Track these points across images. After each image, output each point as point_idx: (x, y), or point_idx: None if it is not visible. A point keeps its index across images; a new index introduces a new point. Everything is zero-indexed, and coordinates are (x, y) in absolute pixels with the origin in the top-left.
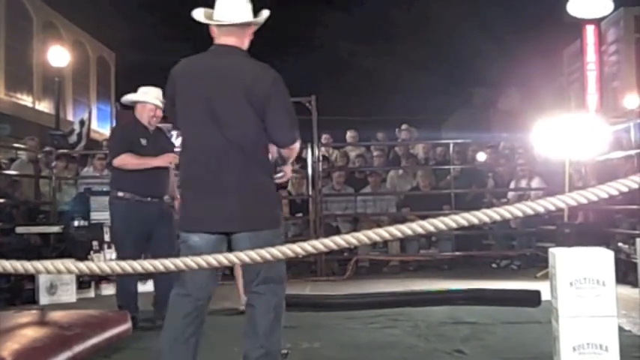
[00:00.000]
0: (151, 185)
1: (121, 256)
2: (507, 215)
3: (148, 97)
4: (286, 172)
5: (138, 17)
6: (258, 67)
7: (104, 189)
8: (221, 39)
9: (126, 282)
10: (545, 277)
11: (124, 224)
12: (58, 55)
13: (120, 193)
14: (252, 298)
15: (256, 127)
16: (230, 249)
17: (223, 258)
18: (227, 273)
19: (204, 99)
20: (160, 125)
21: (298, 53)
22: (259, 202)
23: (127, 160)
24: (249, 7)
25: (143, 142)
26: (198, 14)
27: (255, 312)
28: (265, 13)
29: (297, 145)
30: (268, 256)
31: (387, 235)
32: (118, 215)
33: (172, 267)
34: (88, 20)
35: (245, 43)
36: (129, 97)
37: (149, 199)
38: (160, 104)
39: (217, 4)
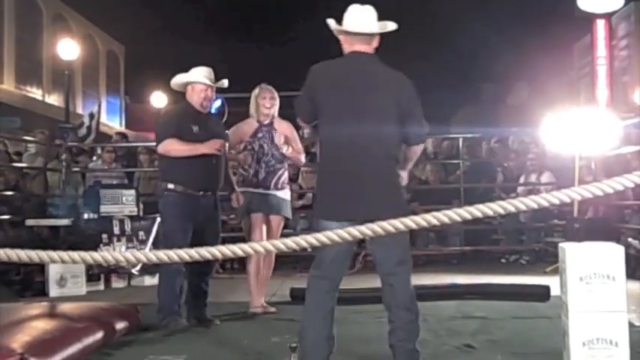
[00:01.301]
0: (205, 177)
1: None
2: (511, 209)
3: (197, 76)
4: (403, 178)
5: (147, 11)
6: (396, 73)
7: (114, 182)
8: (355, 46)
9: (171, 281)
10: (555, 272)
11: (174, 219)
12: (68, 49)
13: (170, 185)
14: (390, 279)
15: (395, 127)
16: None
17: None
18: (236, 267)
19: (352, 99)
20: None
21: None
22: (395, 195)
23: (170, 146)
24: (375, 15)
25: (195, 128)
26: (335, 24)
27: (396, 290)
28: (392, 25)
29: (423, 145)
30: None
31: (403, 226)
32: (167, 209)
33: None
34: (98, 13)
35: (373, 50)
36: (177, 80)
37: (201, 192)
38: (211, 83)
39: (350, 15)
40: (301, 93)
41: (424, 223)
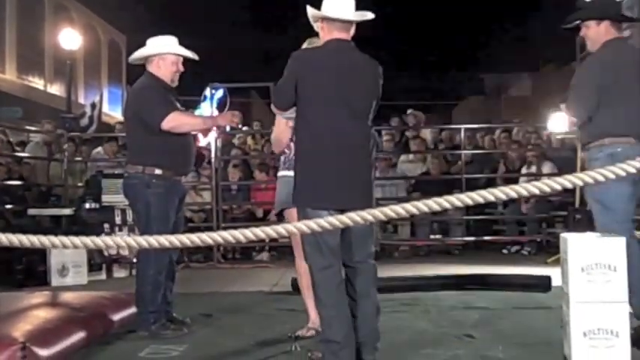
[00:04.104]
0: (185, 161)
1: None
2: (512, 194)
3: (167, 46)
4: None
5: (148, 0)
6: (372, 60)
7: (116, 171)
8: (334, 34)
9: (158, 283)
10: (556, 262)
11: (164, 208)
12: (70, 38)
13: (157, 171)
14: (363, 267)
15: (370, 116)
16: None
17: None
18: (238, 257)
19: (337, 86)
20: None
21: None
22: (370, 184)
23: (181, 119)
24: (354, 4)
25: (178, 105)
26: (313, 12)
27: (366, 278)
28: (370, 14)
29: None
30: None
31: (403, 212)
32: (156, 198)
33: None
34: (100, 3)
35: (351, 39)
36: (140, 53)
37: (181, 177)
38: (187, 53)
39: (331, 2)
40: (283, 79)
41: (425, 209)
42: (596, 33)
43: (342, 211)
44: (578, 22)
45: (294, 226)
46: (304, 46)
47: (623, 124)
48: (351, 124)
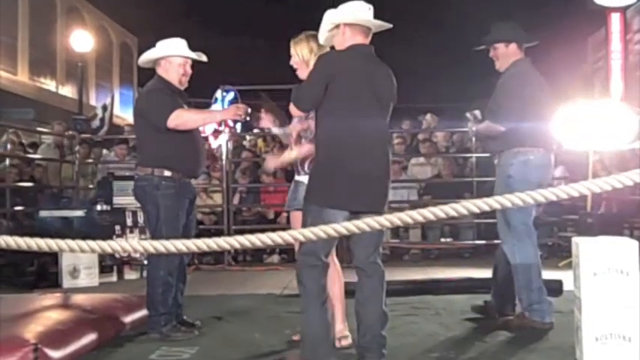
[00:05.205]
0: (195, 162)
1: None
2: (519, 203)
3: (174, 49)
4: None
5: (160, 2)
6: (388, 68)
7: (127, 174)
8: (357, 39)
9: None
10: (568, 266)
11: (174, 211)
12: (82, 40)
13: (167, 173)
14: (372, 268)
15: (388, 122)
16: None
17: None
18: (248, 259)
19: (366, 88)
20: None
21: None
22: (387, 187)
23: (183, 118)
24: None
25: (185, 107)
26: (338, 15)
27: (374, 281)
28: (388, 25)
29: None
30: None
31: (420, 218)
32: (167, 200)
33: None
34: (111, 5)
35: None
36: (147, 55)
37: (191, 179)
38: (191, 55)
39: (357, 9)
40: (312, 80)
41: (443, 214)
42: (504, 54)
43: (355, 213)
44: (485, 45)
45: (310, 232)
46: (309, 55)
47: (535, 136)
48: (375, 126)
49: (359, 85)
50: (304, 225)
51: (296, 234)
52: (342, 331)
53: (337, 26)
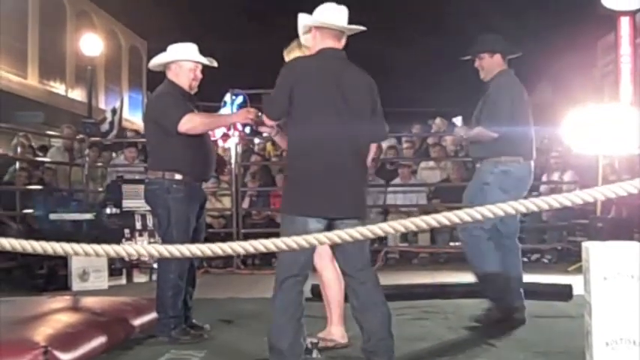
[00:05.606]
0: (206, 166)
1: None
2: (533, 208)
3: (184, 53)
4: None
5: (170, 6)
6: (363, 71)
7: (136, 177)
8: (327, 42)
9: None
10: (577, 270)
11: (184, 214)
12: (91, 44)
13: (177, 176)
14: (362, 275)
15: (367, 126)
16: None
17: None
18: (257, 263)
19: (331, 94)
20: None
21: None
22: (364, 194)
23: (195, 120)
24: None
25: (195, 111)
26: (310, 19)
27: (369, 286)
28: (362, 27)
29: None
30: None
31: (435, 223)
32: (177, 204)
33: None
34: (121, 9)
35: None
36: (158, 59)
37: (201, 182)
38: (203, 60)
39: (328, 11)
40: (276, 89)
41: (456, 219)
42: (489, 64)
43: (330, 220)
44: (470, 56)
45: (314, 238)
46: (288, 56)
47: (517, 144)
48: (344, 131)
49: (324, 90)
50: (282, 235)
51: (310, 239)
52: (336, 333)
53: (310, 30)
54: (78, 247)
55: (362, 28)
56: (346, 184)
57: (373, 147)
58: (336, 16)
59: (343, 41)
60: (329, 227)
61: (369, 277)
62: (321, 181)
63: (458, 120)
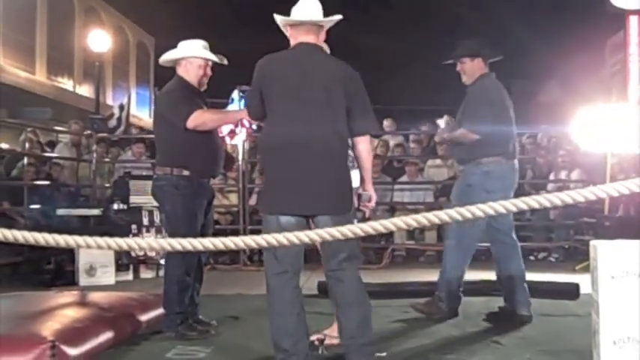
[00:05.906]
0: (213, 162)
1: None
2: (525, 206)
3: (194, 49)
4: (372, 196)
5: (178, 3)
6: (342, 64)
7: (143, 173)
8: (301, 37)
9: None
10: (585, 269)
11: (192, 211)
12: (99, 40)
13: (185, 172)
14: (339, 274)
15: (341, 119)
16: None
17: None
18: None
19: (298, 88)
20: None
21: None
22: (340, 189)
23: (204, 117)
24: (321, 9)
25: (204, 108)
26: (280, 18)
27: (346, 285)
28: (337, 17)
29: (368, 137)
30: (349, 234)
31: (445, 218)
32: (185, 199)
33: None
34: (129, 6)
35: (321, 42)
36: (169, 55)
37: (209, 179)
38: (213, 57)
39: (296, 7)
40: (250, 89)
41: (458, 217)
42: (471, 68)
43: (305, 217)
44: (452, 60)
45: (325, 232)
46: None
47: (497, 145)
48: (314, 127)
49: (287, 86)
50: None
51: (312, 235)
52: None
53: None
54: (90, 239)
55: (335, 19)
56: (316, 180)
57: (366, 140)
58: (305, 11)
59: (321, 35)
60: (307, 224)
61: (347, 276)
62: (290, 178)
63: (441, 122)
